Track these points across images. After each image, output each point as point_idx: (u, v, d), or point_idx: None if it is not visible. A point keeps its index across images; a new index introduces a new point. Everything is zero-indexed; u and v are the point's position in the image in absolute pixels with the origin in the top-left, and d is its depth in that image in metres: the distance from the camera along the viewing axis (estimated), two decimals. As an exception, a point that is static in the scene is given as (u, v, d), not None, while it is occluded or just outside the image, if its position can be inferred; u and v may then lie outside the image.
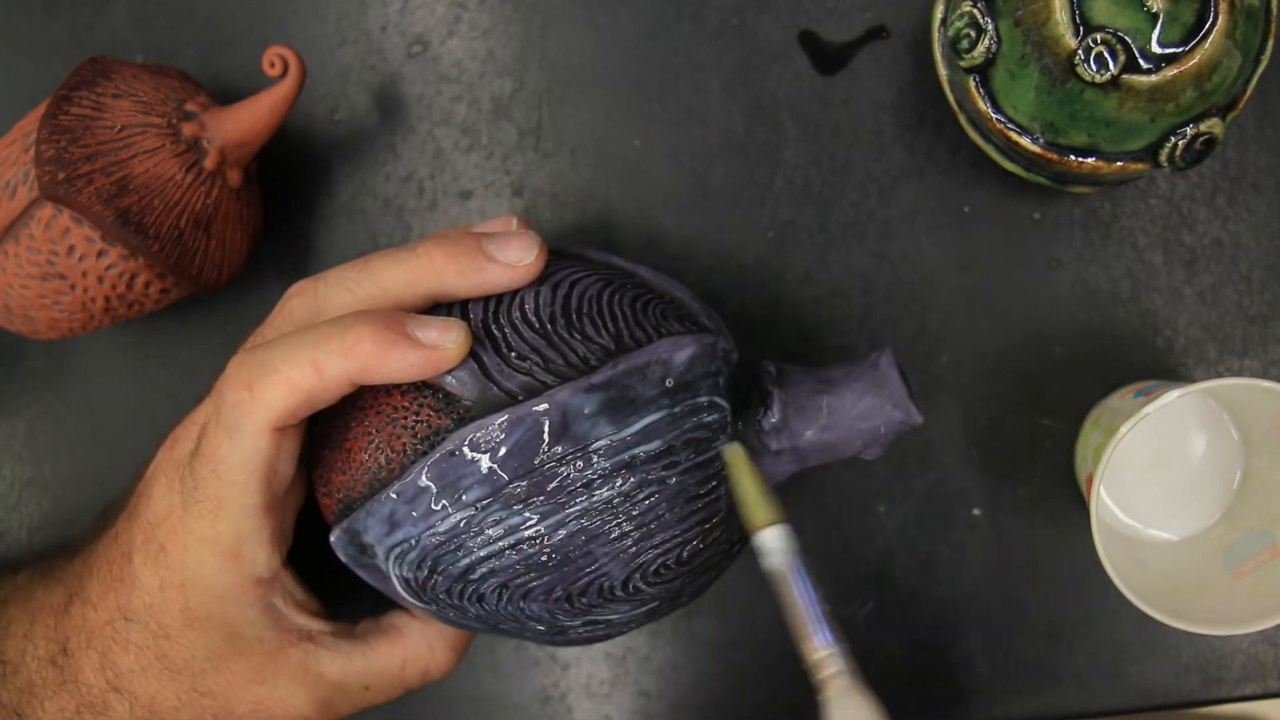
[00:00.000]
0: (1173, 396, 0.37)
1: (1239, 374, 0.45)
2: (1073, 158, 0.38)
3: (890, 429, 0.36)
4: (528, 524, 0.32)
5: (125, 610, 0.36)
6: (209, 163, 0.40)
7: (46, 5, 0.47)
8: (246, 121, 0.40)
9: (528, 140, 0.46)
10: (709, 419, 0.34)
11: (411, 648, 0.38)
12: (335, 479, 0.35)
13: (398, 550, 0.33)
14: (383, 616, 0.39)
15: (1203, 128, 0.37)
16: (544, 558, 0.32)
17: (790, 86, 0.45)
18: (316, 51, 0.47)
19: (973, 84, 0.39)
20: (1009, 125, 0.39)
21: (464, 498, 0.32)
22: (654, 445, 0.32)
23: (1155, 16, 0.35)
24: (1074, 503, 0.45)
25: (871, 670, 0.46)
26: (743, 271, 0.46)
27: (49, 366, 0.48)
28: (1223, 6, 0.34)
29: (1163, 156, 0.37)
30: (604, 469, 0.32)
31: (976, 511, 0.45)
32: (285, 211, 0.46)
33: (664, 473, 0.33)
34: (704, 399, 0.34)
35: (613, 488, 0.32)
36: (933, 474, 0.45)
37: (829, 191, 0.45)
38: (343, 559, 0.35)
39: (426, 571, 0.33)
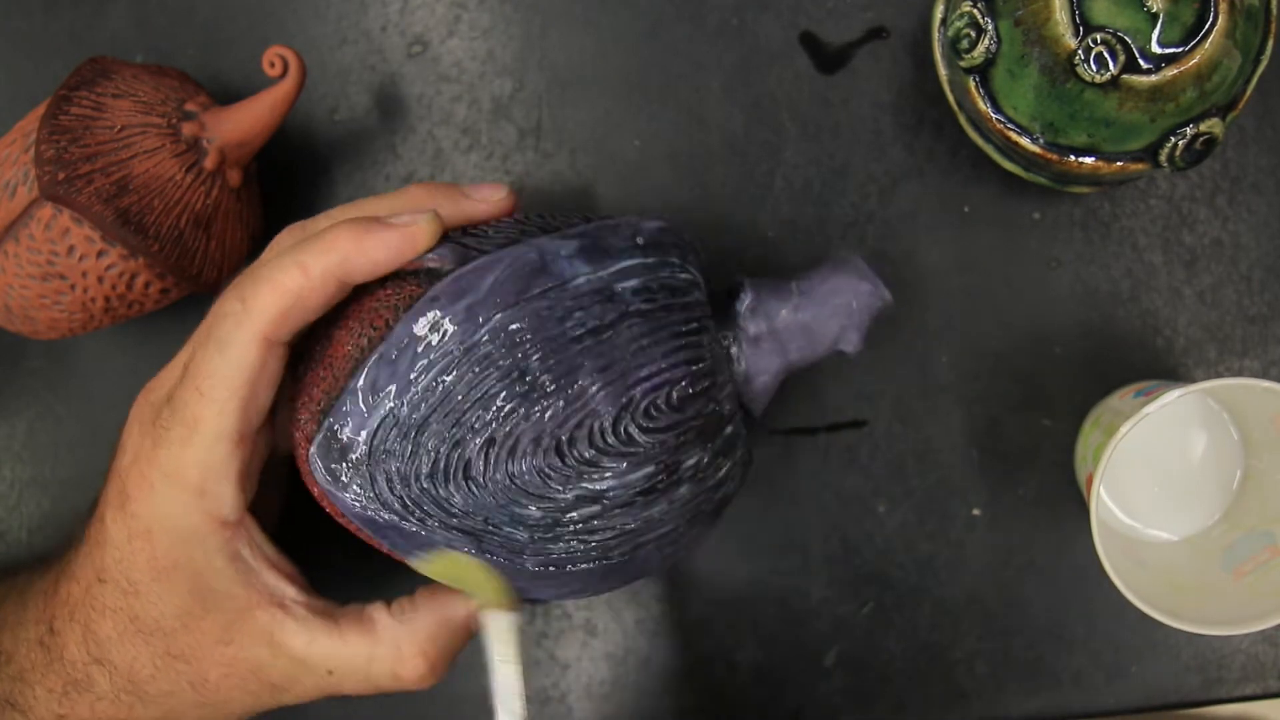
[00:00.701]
0: (1173, 396, 0.37)
1: (1239, 374, 0.45)
2: (1073, 158, 0.38)
3: (862, 304, 0.37)
4: (514, 361, 0.32)
5: (99, 572, 0.36)
6: (209, 163, 0.40)
7: (46, 5, 0.47)
8: (246, 121, 0.40)
9: (528, 140, 0.46)
10: (683, 277, 0.35)
11: (380, 644, 0.36)
12: (316, 389, 0.34)
13: (379, 436, 0.32)
14: (363, 606, 0.37)
15: (1203, 128, 0.37)
16: (531, 393, 0.32)
17: (790, 86, 0.46)
18: (316, 51, 0.47)
19: (973, 84, 0.39)
20: (1009, 125, 0.39)
21: (448, 343, 0.32)
22: (632, 283, 0.33)
23: (1155, 16, 0.35)
24: (1074, 503, 0.45)
25: (871, 670, 0.46)
26: (743, 272, 0.46)
27: (49, 366, 0.48)
28: (1223, 6, 0.34)
29: (1163, 156, 0.37)
30: (584, 302, 0.32)
31: (976, 511, 0.45)
32: (285, 211, 0.46)
33: (644, 305, 0.33)
34: (675, 260, 0.35)
35: (594, 318, 0.32)
36: (933, 474, 0.45)
37: (829, 191, 0.45)
38: (320, 483, 0.34)
39: (409, 452, 0.32)
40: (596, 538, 0.34)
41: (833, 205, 0.45)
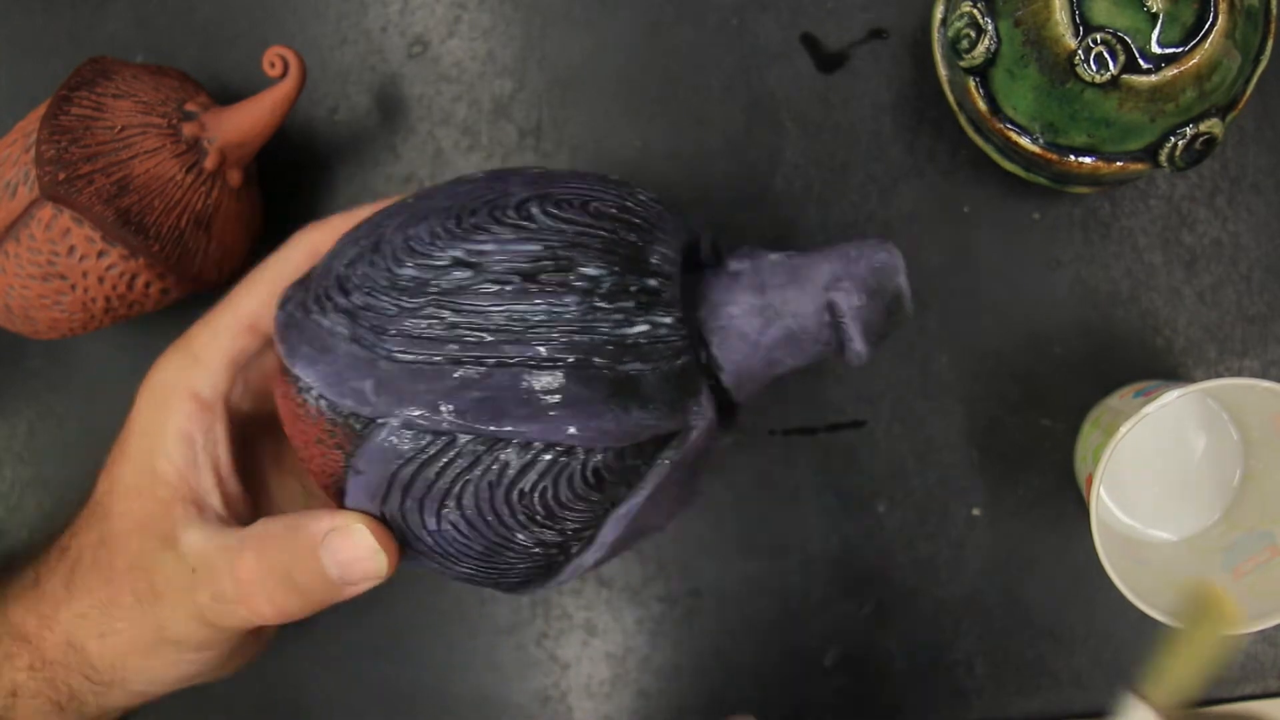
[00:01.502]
0: (1172, 397, 0.37)
1: (1239, 374, 0.45)
2: (1072, 158, 0.38)
3: (868, 260, 0.33)
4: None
5: (93, 493, 0.37)
6: (209, 163, 0.40)
7: (47, 5, 0.47)
8: (247, 122, 0.40)
9: (528, 140, 0.46)
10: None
11: (252, 559, 0.32)
12: None
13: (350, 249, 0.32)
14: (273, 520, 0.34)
15: (1202, 128, 0.37)
16: (461, 181, 0.32)
17: (790, 86, 0.46)
18: (317, 51, 0.47)
19: (972, 84, 0.39)
20: (1009, 125, 0.39)
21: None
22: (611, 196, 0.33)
23: (1155, 17, 0.35)
24: (1074, 503, 0.45)
25: (871, 670, 0.46)
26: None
27: (49, 366, 0.48)
28: (1222, 7, 0.35)
29: (1163, 156, 0.37)
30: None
31: (976, 511, 0.45)
32: (285, 211, 0.46)
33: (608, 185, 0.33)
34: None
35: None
36: (933, 474, 0.45)
37: (829, 191, 0.45)
38: (281, 321, 0.33)
39: (369, 239, 0.31)
40: (457, 320, 0.29)
41: (833, 205, 0.45)
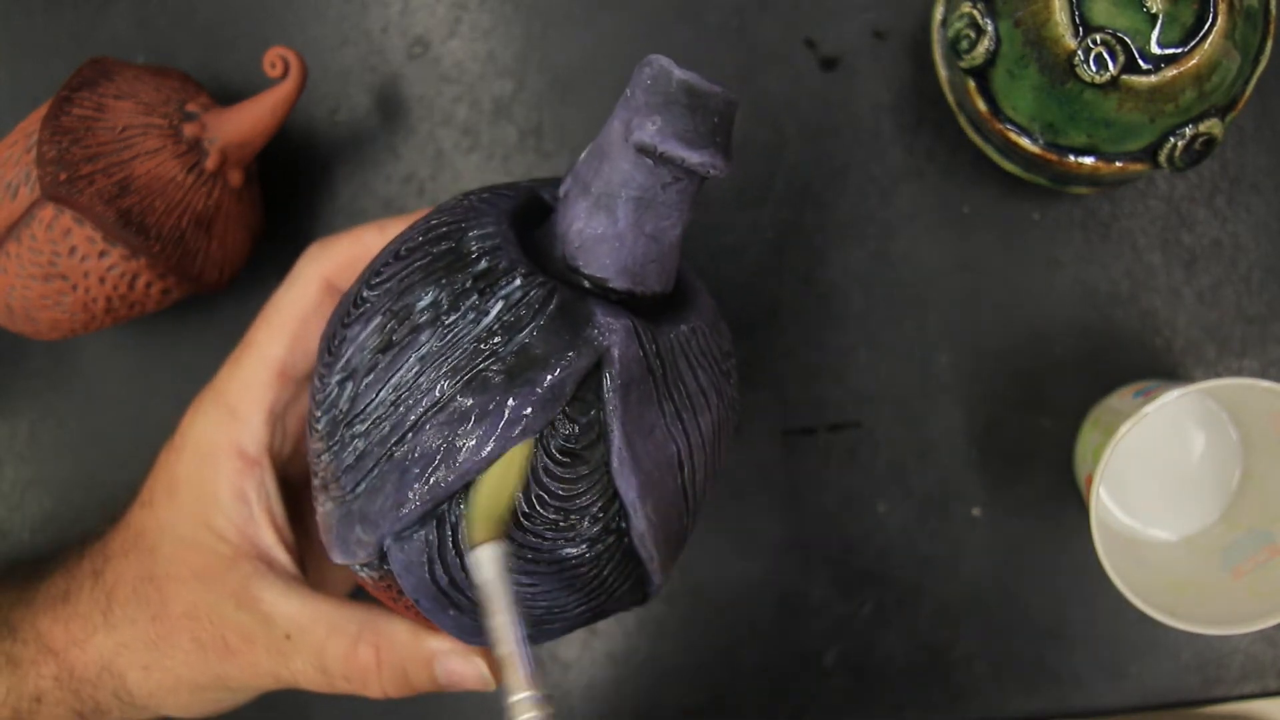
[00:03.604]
0: (1172, 397, 0.37)
1: (1238, 374, 0.45)
2: (1072, 158, 0.38)
3: (639, 82, 0.29)
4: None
5: (139, 494, 0.38)
6: (210, 163, 0.40)
7: (48, 6, 0.47)
8: (247, 122, 0.41)
9: (528, 141, 0.46)
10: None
11: (346, 619, 0.35)
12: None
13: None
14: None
15: (1202, 128, 0.37)
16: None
17: (790, 87, 0.46)
18: (317, 52, 0.47)
19: (972, 84, 0.39)
20: (1009, 125, 0.39)
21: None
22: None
23: (1155, 17, 0.35)
24: (1073, 503, 0.45)
25: (871, 670, 0.46)
26: (743, 271, 0.46)
27: (51, 367, 0.48)
28: (1222, 7, 0.35)
29: (1162, 157, 0.37)
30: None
31: (976, 511, 0.46)
32: (286, 212, 0.47)
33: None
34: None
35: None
36: (933, 474, 0.45)
37: (829, 191, 0.46)
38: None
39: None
40: (366, 426, 0.30)
41: (833, 205, 0.45)
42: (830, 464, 0.46)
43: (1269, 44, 0.37)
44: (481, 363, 0.29)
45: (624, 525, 0.30)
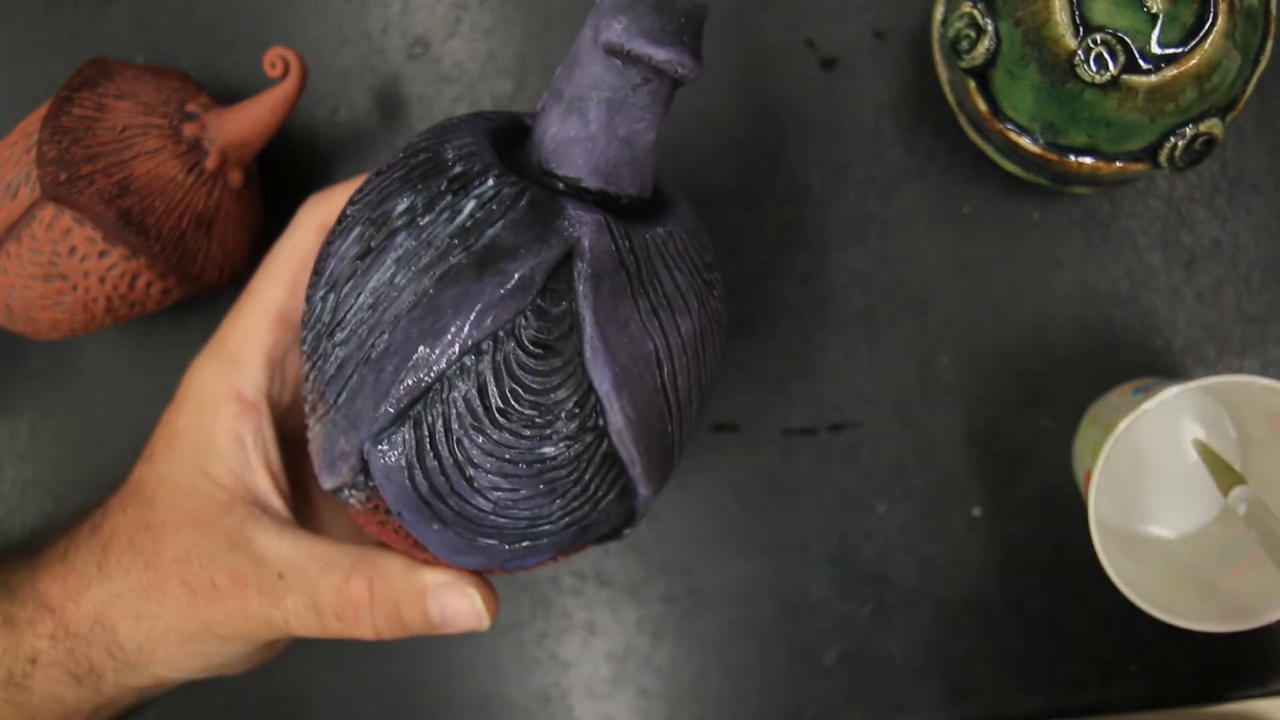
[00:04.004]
0: (1171, 393, 0.37)
1: (1238, 374, 0.45)
2: (1072, 158, 0.38)
3: None
4: None
5: (129, 478, 0.38)
6: (210, 163, 0.40)
7: (48, 6, 0.47)
8: (248, 122, 0.41)
9: (528, 141, 0.46)
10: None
11: (340, 555, 0.35)
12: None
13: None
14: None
15: (1202, 128, 0.37)
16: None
17: (790, 86, 0.46)
18: (317, 52, 0.47)
19: (972, 84, 0.39)
20: (1009, 125, 0.39)
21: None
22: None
23: (1155, 17, 0.35)
24: (1074, 502, 0.45)
25: (871, 670, 0.46)
26: (743, 271, 0.46)
27: (51, 367, 0.48)
28: (1222, 7, 0.35)
29: (1162, 157, 0.37)
30: None
31: (976, 511, 0.46)
32: (286, 212, 0.46)
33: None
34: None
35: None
36: (933, 474, 0.46)
37: (829, 191, 0.46)
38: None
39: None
40: (346, 334, 0.30)
41: (833, 205, 0.45)
42: (830, 464, 0.46)
43: (1269, 44, 0.37)
44: (453, 258, 0.29)
45: (602, 423, 0.30)
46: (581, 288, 0.29)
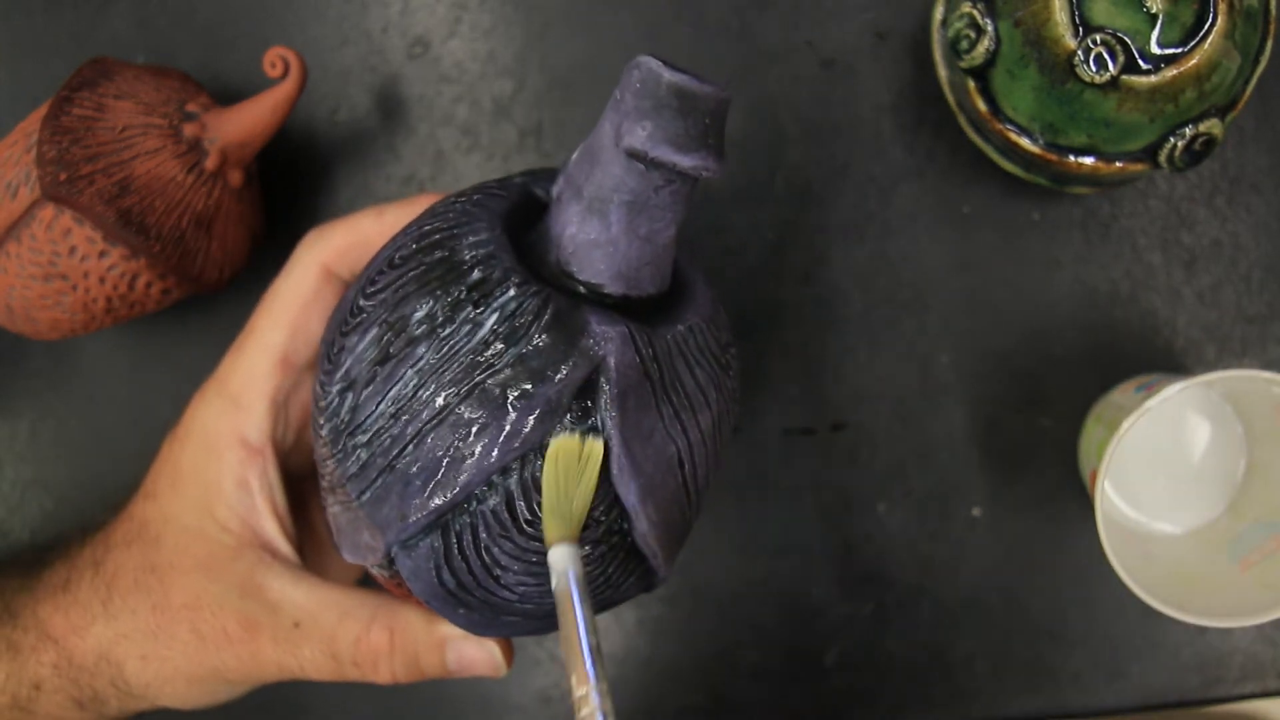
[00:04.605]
0: (1174, 390, 0.37)
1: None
2: (1072, 158, 0.38)
3: (629, 84, 0.29)
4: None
5: (140, 486, 0.38)
6: (210, 163, 0.40)
7: (48, 6, 0.47)
8: (248, 122, 0.41)
9: (528, 141, 0.46)
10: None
11: (358, 605, 0.35)
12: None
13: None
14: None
15: (1202, 128, 0.37)
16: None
17: (790, 86, 0.46)
18: (317, 52, 0.47)
19: (972, 85, 0.39)
20: (1009, 126, 0.39)
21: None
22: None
23: (1155, 17, 0.35)
24: (1074, 502, 0.45)
25: (871, 670, 0.46)
26: (743, 271, 0.46)
27: (51, 367, 0.48)
28: (1222, 7, 0.35)
29: (1162, 157, 0.37)
30: None
31: (976, 511, 0.46)
32: (286, 212, 0.47)
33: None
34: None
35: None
36: (933, 474, 0.46)
37: (829, 191, 0.46)
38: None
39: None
40: (368, 437, 0.30)
41: (833, 205, 0.45)
42: (830, 464, 0.46)
43: (1269, 44, 0.37)
44: (479, 375, 0.29)
45: (626, 526, 0.30)
46: (607, 407, 0.29)
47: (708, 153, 0.29)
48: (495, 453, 0.29)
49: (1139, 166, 0.38)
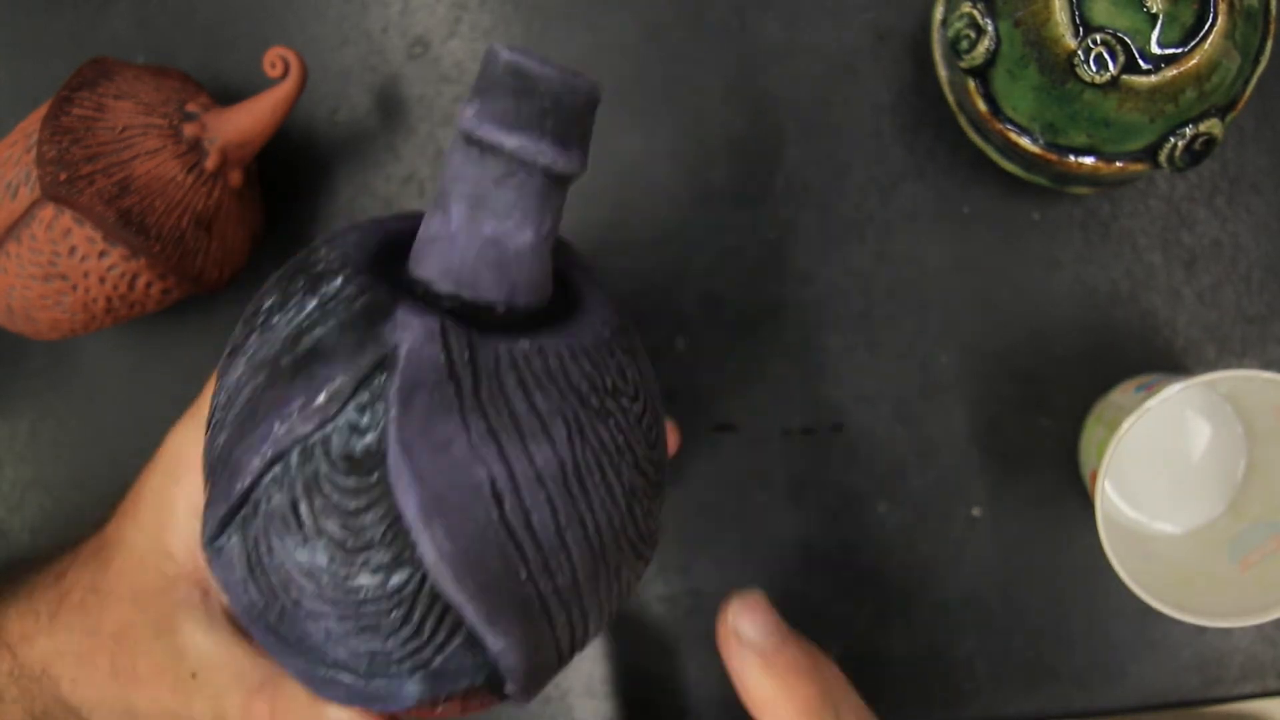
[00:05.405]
0: (1174, 390, 0.37)
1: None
2: (1072, 158, 0.38)
3: (480, 85, 0.27)
4: None
5: (104, 527, 0.37)
6: (210, 163, 0.40)
7: (48, 6, 0.47)
8: (247, 122, 0.41)
9: (528, 141, 0.46)
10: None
11: (255, 669, 0.33)
12: None
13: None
14: None
15: (1202, 128, 0.37)
16: None
17: (790, 86, 0.46)
18: (317, 52, 0.47)
19: (972, 85, 0.39)
20: (1009, 126, 0.39)
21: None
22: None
23: (1155, 17, 0.35)
24: (1074, 502, 0.45)
25: (871, 670, 0.46)
26: (743, 271, 0.46)
27: (51, 367, 0.48)
28: (1222, 7, 0.35)
29: (1162, 157, 0.37)
30: None
31: (976, 511, 0.46)
32: (286, 212, 0.47)
33: None
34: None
35: None
36: (933, 474, 0.46)
37: (829, 191, 0.46)
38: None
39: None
40: (211, 431, 0.29)
41: (833, 205, 0.45)
42: (830, 464, 0.46)
43: (1269, 44, 0.37)
44: (282, 360, 0.27)
45: (417, 555, 0.26)
46: (389, 398, 0.26)
47: (541, 136, 0.26)
48: (272, 435, 0.26)
49: (1139, 166, 0.38)
